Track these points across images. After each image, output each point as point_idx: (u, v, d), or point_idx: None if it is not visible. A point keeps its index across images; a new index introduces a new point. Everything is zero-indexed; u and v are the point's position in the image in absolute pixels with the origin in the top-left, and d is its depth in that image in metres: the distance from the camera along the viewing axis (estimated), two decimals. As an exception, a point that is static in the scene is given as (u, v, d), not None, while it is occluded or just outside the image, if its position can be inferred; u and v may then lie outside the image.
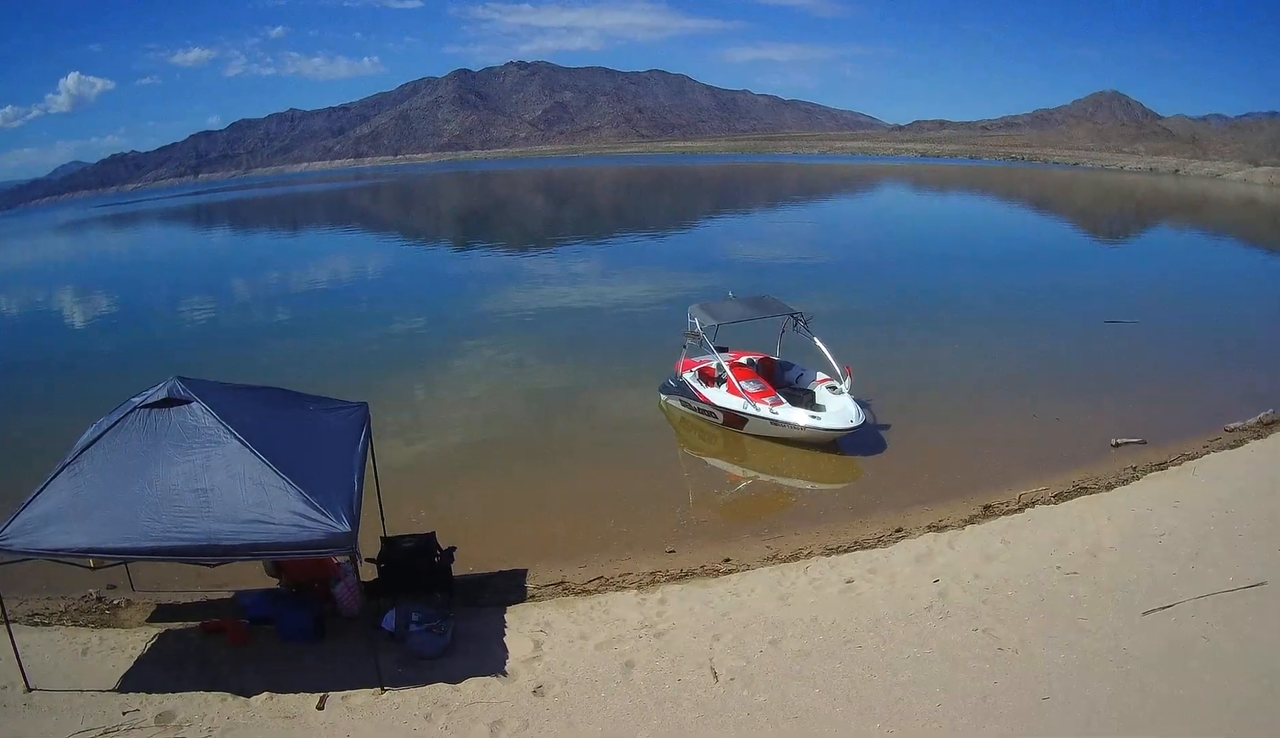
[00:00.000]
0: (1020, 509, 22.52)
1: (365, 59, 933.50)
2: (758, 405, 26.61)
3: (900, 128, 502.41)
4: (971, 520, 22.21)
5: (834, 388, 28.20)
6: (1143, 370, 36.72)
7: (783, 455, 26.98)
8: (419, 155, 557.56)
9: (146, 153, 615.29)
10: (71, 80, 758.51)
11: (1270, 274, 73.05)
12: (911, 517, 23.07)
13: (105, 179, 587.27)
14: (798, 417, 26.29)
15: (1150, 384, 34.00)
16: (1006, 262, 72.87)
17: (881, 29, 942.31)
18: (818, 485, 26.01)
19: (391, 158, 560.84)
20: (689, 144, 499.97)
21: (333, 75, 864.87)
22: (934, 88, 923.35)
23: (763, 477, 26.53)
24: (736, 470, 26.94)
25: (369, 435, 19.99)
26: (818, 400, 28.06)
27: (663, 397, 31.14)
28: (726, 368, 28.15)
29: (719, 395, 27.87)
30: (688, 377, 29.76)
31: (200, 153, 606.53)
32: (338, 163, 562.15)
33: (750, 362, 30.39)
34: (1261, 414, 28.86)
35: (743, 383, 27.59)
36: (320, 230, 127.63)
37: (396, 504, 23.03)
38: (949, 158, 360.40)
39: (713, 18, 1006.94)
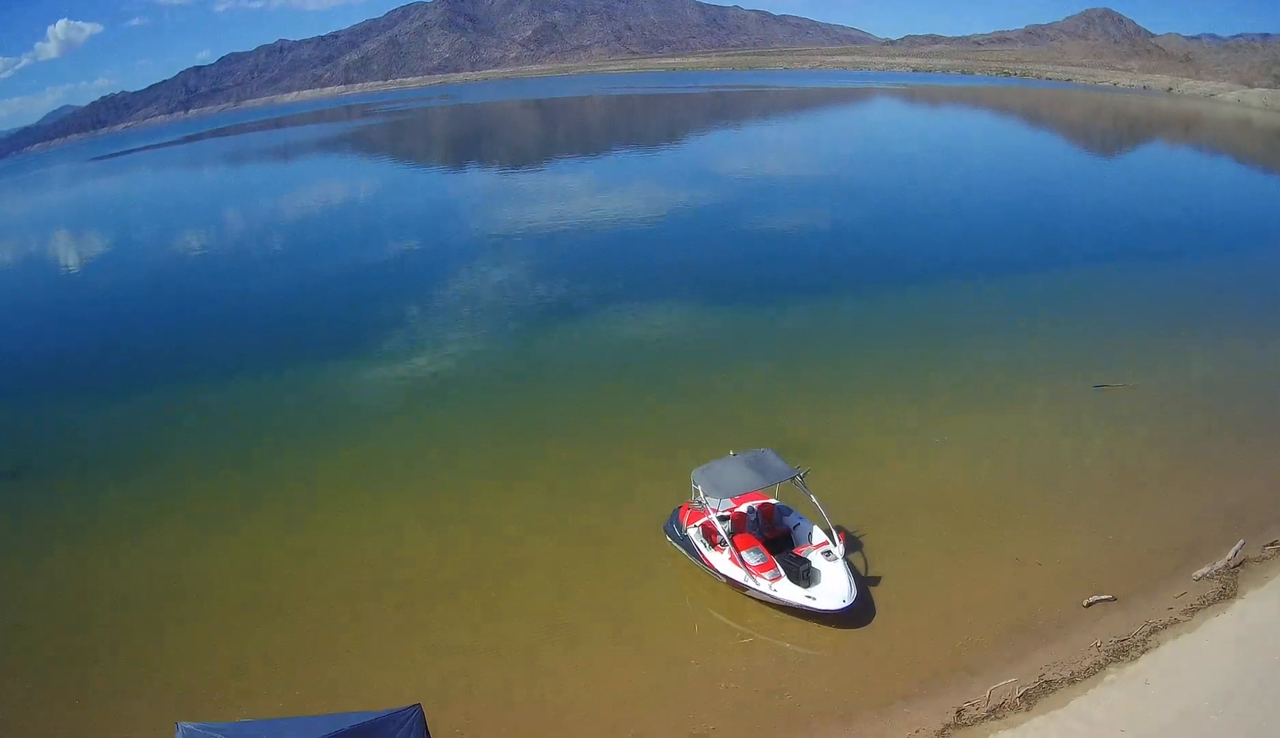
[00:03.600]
0: (991, 713, 23.44)
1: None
2: (757, 579, 27.58)
3: (892, 42, 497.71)
4: (945, 732, 23.10)
5: (829, 553, 28.66)
6: (1125, 491, 33.11)
7: (781, 620, 27.70)
8: (409, 80, 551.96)
9: (136, 92, 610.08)
10: (60, 26, 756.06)
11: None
12: (892, 726, 23.69)
13: (96, 121, 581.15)
14: (794, 595, 27.18)
15: (1128, 512, 31.54)
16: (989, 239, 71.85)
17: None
18: (809, 653, 26.55)
19: (382, 83, 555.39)
20: (679, 61, 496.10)
21: (321, 5, 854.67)
22: (924, 1, 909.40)
23: (760, 636, 27.19)
24: (738, 629, 27.58)
25: None
26: (814, 566, 28.52)
27: (668, 539, 31.19)
28: (730, 542, 28.57)
29: (722, 562, 28.59)
30: (692, 533, 29.87)
31: (190, 88, 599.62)
32: (328, 90, 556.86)
33: (751, 510, 31.03)
34: (1230, 555, 28.13)
35: (744, 553, 28.24)
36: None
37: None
38: (941, 73, 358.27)
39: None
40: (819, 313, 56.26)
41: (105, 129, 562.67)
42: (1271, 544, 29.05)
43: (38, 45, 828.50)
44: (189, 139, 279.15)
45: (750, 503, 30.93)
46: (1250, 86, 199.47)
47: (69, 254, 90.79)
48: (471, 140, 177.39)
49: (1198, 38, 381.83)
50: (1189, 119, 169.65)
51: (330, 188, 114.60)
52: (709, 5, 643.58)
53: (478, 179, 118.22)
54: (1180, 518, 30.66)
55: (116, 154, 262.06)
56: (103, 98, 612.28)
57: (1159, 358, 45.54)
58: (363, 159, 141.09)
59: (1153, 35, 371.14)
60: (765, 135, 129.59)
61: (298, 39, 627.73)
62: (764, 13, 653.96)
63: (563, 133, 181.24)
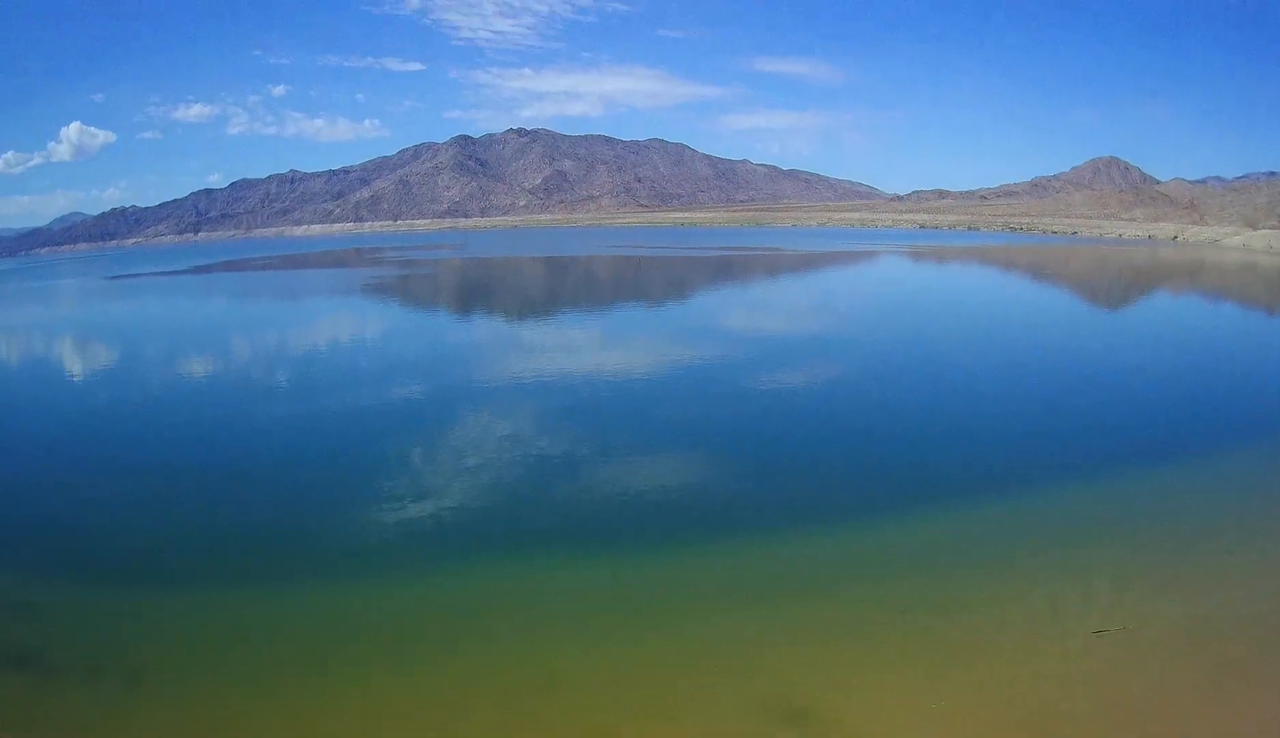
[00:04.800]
0: None
1: (366, 121, 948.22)
2: None
3: (900, 197, 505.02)
4: None
5: None
6: None
7: None
8: (419, 222, 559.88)
9: (147, 208, 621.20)
10: (73, 129, 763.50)
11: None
12: None
13: (105, 232, 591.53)
14: None
15: None
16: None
17: (879, 96, 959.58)
18: None
19: (391, 223, 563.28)
20: (689, 215, 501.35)
21: (334, 136, 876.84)
22: (932, 154, 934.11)
23: None
24: None
25: None
26: None
27: None
28: None
29: None
30: None
31: (200, 211, 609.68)
32: (337, 227, 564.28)
33: None
34: None
35: None
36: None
37: None
38: (948, 229, 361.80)
39: (711, 85, 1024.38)
40: (805, 534, 48.19)
41: (115, 242, 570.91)
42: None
43: (50, 145, 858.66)
44: (199, 270, 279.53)
45: None
46: (1255, 229, 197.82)
47: (88, 390, 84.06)
48: (483, 296, 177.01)
49: (1203, 181, 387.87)
50: (1193, 268, 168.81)
51: (348, 347, 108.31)
52: (718, 159, 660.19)
53: (502, 334, 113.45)
54: None
55: (133, 276, 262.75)
56: (113, 210, 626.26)
57: (1163, 590, 39.19)
58: (379, 318, 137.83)
59: (1158, 182, 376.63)
60: (762, 326, 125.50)
61: (309, 170, 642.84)
62: (773, 167, 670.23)
63: (573, 289, 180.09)
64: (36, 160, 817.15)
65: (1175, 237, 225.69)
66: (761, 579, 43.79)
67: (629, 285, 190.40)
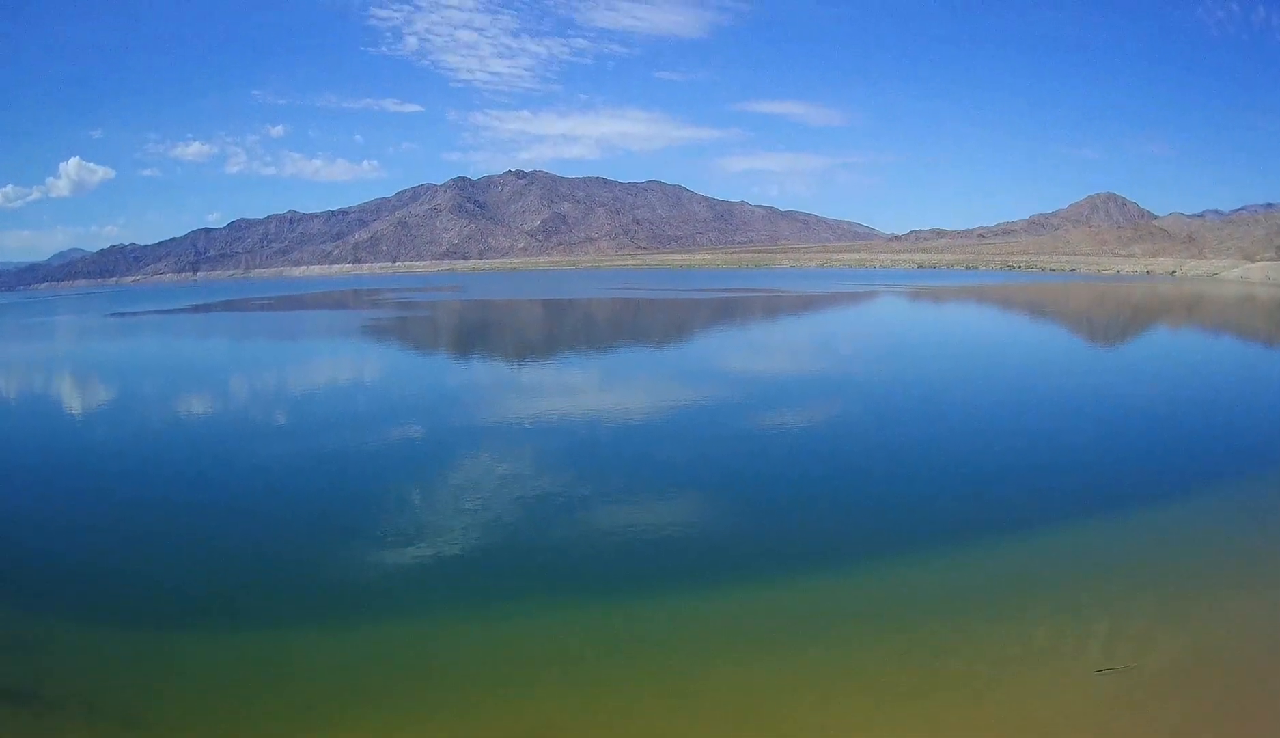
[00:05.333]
0: None
1: (365, 162, 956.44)
2: None
3: (898, 237, 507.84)
4: None
5: None
6: None
7: None
8: (417, 264, 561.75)
9: (146, 246, 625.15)
10: (72, 165, 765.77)
11: None
12: None
13: (104, 269, 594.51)
14: None
15: None
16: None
17: (876, 136, 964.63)
18: None
19: (390, 265, 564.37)
20: (687, 257, 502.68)
21: (332, 177, 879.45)
22: (930, 194, 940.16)
23: None
24: None
25: None
26: None
27: None
28: None
29: None
30: None
31: (199, 250, 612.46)
32: (336, 268, 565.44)
33: None
34: None
35: None
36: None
37: None
38: (946, 269, 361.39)
39: (709, 127, 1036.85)
40: (801, 578, 46.40)
41: (114, 279, 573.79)
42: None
43: (49, 180, 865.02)
44: (199, 308, 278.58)
45: None
46: (1253, 261, 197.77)
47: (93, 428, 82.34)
48: (483, 338, 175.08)
49: (1201, 214, 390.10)
50: (1191, 302, 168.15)
51: (347, 388, 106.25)
52: (716, 200, 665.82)
53: (501, 377, 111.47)
54: None
55: (133, 313, 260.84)
56: (112, 247, 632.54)
57: (1165, 626, 37.71)
58: (378, 359, 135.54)
59: (1155, 216, 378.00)
60: (761, 368, 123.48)
61: (308, 211, 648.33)
62: (771, 208, 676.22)
63: (573, 332, 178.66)
64: (35, 195, 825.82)
65: (1174, 271, 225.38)
66: (758, 625, 41.79)
67: (629, 328, 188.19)
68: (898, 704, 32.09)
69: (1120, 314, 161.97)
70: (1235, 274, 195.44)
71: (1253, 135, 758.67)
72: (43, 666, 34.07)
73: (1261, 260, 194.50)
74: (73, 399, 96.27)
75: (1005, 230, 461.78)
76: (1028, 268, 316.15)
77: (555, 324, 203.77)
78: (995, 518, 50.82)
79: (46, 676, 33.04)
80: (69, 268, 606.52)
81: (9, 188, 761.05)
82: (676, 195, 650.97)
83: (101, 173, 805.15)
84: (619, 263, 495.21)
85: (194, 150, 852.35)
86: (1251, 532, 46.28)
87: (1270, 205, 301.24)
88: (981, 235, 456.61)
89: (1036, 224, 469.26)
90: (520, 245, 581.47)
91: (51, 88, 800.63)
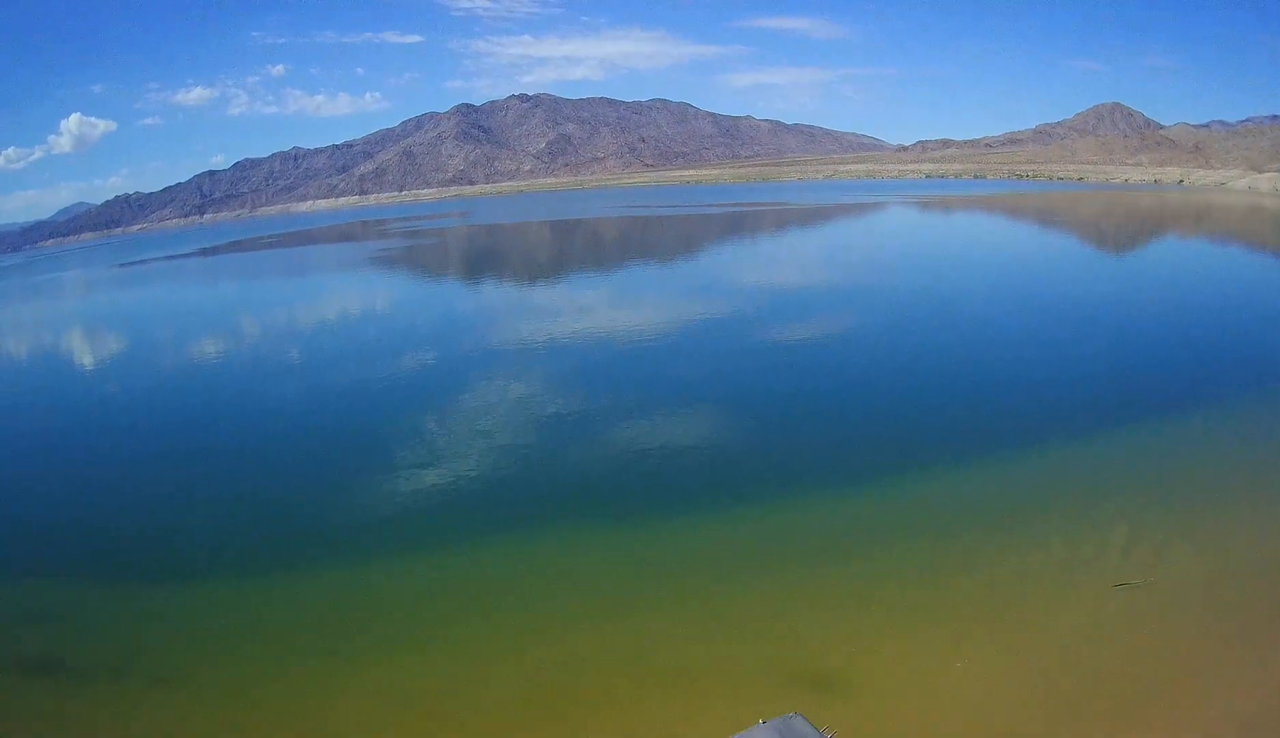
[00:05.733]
0: None
1: (367, 94, 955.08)
2: None
3: (904, 148, 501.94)
4: None
5: None
6: (1141, 705, 29.74)
7: None
8: (424, 191, 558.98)
9: (150, 193, 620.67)
10: (73, 121, 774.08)
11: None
12: None
13: (110, 220, 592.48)
14: None
15: (1144, 732, 29.12)
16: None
17: (879, 49, 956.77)
18: None
19: (396, 194, 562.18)
20: (693, 173, 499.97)
21: (335, 112, 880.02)
22: (936, 105, 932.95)
23: None
24: None
25: None
26: None
27: None
28: None
29: None
30: None
31: (204, 193, 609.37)
32: (343, 200, 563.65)
33: None
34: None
35: None
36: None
37: None
38: (954, 179, 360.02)
39: (712, 44, 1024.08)
40: (821, 496, 49.10)
41: (120, 229, 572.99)
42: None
43: (50, 138, 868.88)
44: (207, 252, 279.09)
45: None
46: (1260, 172, 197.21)
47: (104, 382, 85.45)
48: (492, 263, 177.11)
49: (1207, 125, 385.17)
50: (1201, 212, 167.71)
51: (357, 321, 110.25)
52: (722, 116, 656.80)
53: (511, 300, 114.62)
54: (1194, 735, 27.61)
55: (141, 262, 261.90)
56: (117, 197, 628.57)
57: (1183, 541, 40.52)
58: (387, 291, 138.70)
59: (1162, 126, 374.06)
60: (772, 282, 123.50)
61: (312, 147, 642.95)
62: (776, 122, 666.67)
63: (582, 252, 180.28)
64: (38, 154, 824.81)
65: (1181, 181, 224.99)
66: (778, 544, 44.67)
67: (637, 246, 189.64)
68: (918, 621, 35.19)
69: (1130, 223, 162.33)
70: (1243, 184, 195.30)
71: (1259, 46, 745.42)
72: (65, 632, 37.47)
73: (1270, 171, 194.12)
74: (83, 353, 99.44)
75: (1012, 140, 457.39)
76: (1035, 177, 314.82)
77: (564, 245, 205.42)
78: (1011, 433, 53.68)
79: (72, 642, 36.43)
80: (74, 222, 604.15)
81: (10, 150, 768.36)
82: (681, 112, 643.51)
83: (103, 126, 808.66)
84: (626, 181, 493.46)
85: (195, 95, 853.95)
86: (1263, 445, 48.95)
87: (1277, 117, 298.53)
88: (989, 145, 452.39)
89: (1043, 133, 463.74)
90: (527, 168, 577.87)
91: (49, 46, 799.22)
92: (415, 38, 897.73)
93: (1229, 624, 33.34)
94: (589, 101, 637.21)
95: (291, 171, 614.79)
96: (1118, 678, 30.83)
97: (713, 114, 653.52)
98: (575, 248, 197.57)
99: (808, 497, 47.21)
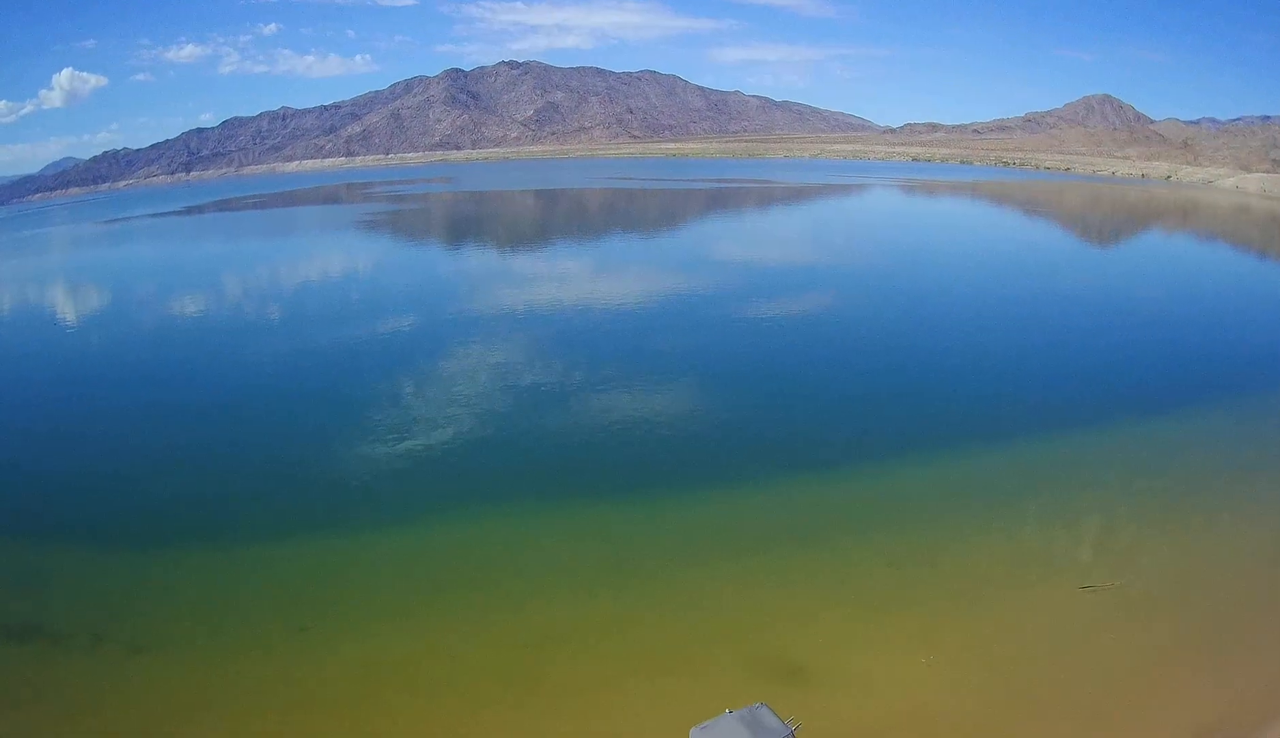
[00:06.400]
0: None
1: (357, 56, 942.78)
2: None
3: (892, 130, 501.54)
4: None
5: None
6: (1105, 710, 30.46)
7: None
8: (410, 155, 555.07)
9: (138, 149, 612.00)
10: (65, 75, 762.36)
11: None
12: None
13: (97, 176, 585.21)
14: None
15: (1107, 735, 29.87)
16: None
17: (871, 30, 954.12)
18: None
19: (383, 157, 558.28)
20: (680, 146, 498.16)
21: (325, 72, 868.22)
22: (925, 89, 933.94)
23: None
24: None
25: None
26: None
27: None
28: None
29: None
30: None
31: (192, 150, 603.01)
32: (329, 162, 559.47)
33: None
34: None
35: None
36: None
37: None
38: (940, 163, 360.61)
39: (703, 17, 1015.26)
40: (794, 482, 50.06)
41: (106, 185, 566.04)
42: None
43: (42, 93, 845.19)
44: (191, 210, 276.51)
45: None
46: (1249, 171, 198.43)
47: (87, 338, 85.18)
48: (475, 231, 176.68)
49: (1197, 122, 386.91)
50: (1187, 208, 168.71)
51: (338, 284, 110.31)
52: (711, 90, 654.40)
53: (493, 269, 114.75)
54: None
55: (127, 219, 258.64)
56: (105, 153, 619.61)
57: (1153, 541, 41.31)
58: (372, 252, 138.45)
59: (1152, 121, 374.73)
60: (751, 260, 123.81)
61: (301, 107, 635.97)
62: (765, 98, 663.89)
63: (565, 223, 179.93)
64: (29, 108, 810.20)
65: (1169, 176, 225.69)
66: (751, 528, 45.41)
67: (621, 218, 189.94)
68: (885, 613, 35.91)
69: (1115, 217, 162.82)
70: (1230, 183, 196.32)
71: (1252, 46, 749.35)
72: (45, 598, 37.58)
73: (1258, 171, 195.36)
74: (66, 310, 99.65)
75: (1000, 127, 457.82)
76: (1022, 165, 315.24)
77: (547, 216, 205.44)
78: (985, 426, 54.71)
79: (50, 607, 36.60)
80: (62, 177, 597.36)
81: (1, 104, 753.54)
82: (670, 85, 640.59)
83: (94, 81, 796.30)
84: (612, 152, 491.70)
85: (186, 53, 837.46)
86: (1236, 448, 49.59)
87: (1267, 117, 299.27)
88: (977, 131, 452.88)
89: (1031, 122, 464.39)
90: (513, 135, 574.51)
91: (43, 1, 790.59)
92: (407, 0, 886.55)
93: (1198, 629, 33.94)
94: (578, 71, 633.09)
95: (279, 131, 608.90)
96: (1081, 680, 31.37)
97: (702, 88, 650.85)
98: (558, 220, 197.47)
99: (782, 482, 47.98)
